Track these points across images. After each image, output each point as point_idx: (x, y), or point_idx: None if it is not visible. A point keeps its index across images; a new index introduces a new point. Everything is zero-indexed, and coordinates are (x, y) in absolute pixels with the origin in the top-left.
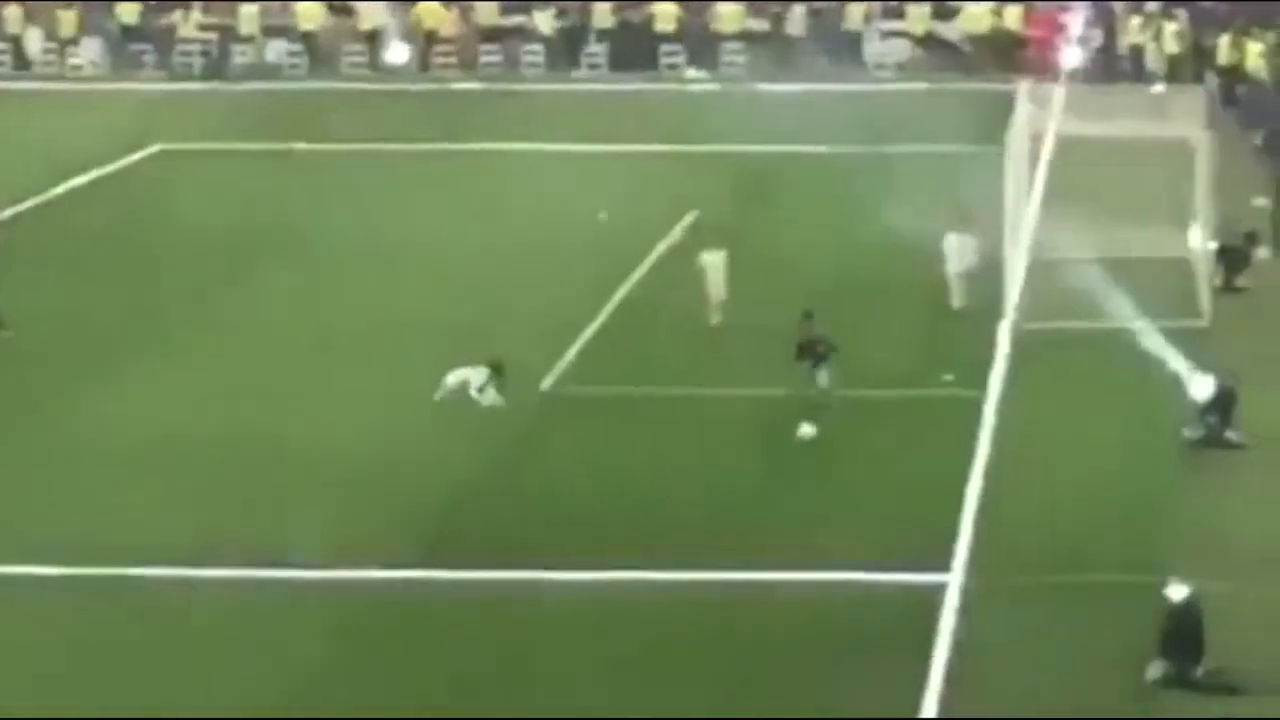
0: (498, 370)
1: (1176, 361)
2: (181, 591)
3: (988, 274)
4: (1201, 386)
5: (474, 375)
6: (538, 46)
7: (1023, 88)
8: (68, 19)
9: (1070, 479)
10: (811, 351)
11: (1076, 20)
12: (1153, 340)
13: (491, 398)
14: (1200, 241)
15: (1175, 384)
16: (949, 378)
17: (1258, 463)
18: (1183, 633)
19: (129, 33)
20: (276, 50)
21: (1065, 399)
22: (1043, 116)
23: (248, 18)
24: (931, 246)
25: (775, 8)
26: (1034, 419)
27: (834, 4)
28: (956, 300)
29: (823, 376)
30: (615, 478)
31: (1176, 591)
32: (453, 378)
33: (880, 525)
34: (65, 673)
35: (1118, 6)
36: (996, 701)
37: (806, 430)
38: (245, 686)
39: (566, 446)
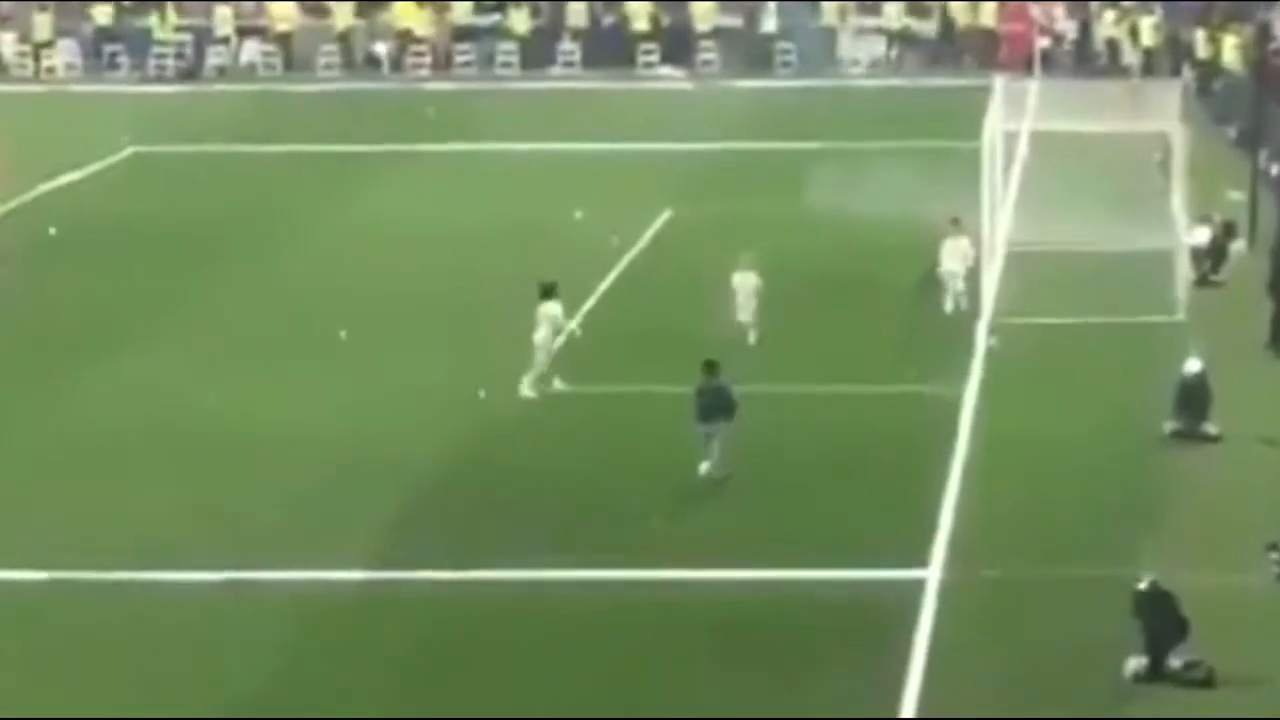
0: (550, 293)
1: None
2: (147, 593)
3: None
4: (1191, 363)
5: (550, 311)
6: (512, 45)
7: (999, 83)
8: (42, 22)
9: (1049, 473)
10: (709, 410)
11: (1052, 15)
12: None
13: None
14: (1180, 233)
15: (1152, 378)
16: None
17: (1233, 455)
18: (1160, 622)
19: (103, 34)
20: (251, 51)
21: (1043, 394)
22: (1019, 112)
23: (222, 19)
24: (904, 242)
25: (749, 5)
26: (1012, 414)
27: (809, 1)
28: (949, 303)
29: (714, 449)
30: (590, 476)
31: (1150, 581)
32: (540, 335)
33: (859, 521)
34: (28, 676)
35: (1093, 2)
36: (975, 696)
37: (704, 468)
38: (210, 689)
39: (543, 445)
